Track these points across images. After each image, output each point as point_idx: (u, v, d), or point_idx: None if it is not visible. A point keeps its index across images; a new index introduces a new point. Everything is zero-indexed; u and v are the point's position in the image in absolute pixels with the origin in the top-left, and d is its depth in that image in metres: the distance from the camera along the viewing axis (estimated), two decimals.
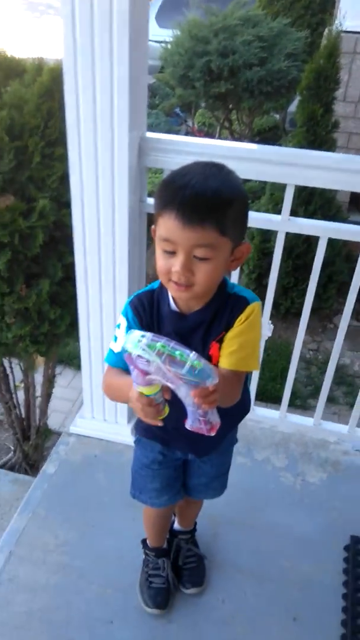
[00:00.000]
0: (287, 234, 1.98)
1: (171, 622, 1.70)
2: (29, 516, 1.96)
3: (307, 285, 2.08)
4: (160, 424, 1.11)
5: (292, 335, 2.16)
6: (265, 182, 4.22)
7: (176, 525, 1.82)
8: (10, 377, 2.49)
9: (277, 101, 6.26)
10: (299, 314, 2.15)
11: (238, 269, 2.04)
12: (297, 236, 3.53)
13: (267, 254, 3.63)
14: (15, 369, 2.52)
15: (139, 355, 0.97)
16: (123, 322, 1.25)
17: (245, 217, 1.16)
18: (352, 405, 2.27)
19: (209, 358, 1.17)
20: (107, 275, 1.93)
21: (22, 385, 2.61)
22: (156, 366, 0.97)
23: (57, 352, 2.35)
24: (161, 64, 7.04)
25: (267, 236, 3.74)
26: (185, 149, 1.81)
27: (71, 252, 1.96)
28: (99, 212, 1.82)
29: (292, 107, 7.09)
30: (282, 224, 1.92)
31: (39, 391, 2.60)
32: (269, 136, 6.73)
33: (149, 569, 1.75)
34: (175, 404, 1.06)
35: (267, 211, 3.60)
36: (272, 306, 2.16)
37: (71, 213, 1.86)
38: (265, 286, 2.13)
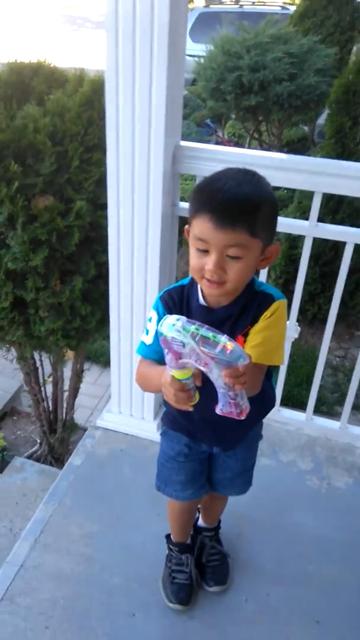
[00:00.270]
0: (315, 240, 2.03)
1: (193, 619, 1.70)
2: (54, 506, 1.99)
3: (334, 292, 2.10)
4: (190, 409, 1.14)
5: (318, 341, 2.18)
6: (293, 191, 4.26)
7: (200, 522, 1.83)
8: (40, 370, 2.54)
9: (306, 114, 6.33)
10: (325, 321, 2.17)
11: (266, 275, 2.08)
12: (325, 243, 3.56)
13: (295, 261, 3.66)
14: (44, 363, 2.57)
15: (173, 337, 1.01)
16: (154, 316, 1.30)
17: (274, 220, 1.21)
18: None
19: None
20: (139, 275, 1.98)
21: (51, 380, 2.66)
22: (190, 348, 1.00)
23: (86, 347, 2.40)
24: (193, 77, 7.15)
25: (295, 243, 3.77)
26: (216, 157, 1.87)
27: (104, 252, 2.02)
28: (134, 215, 1.88)
29: (321, 120, 7.15)
30: (310, 229, 1.98)
31: (66, 386, 2.64)
32: (297, 147, 6.78)
33: (172, 565, 1.76)
34: (205, 392, 1.09)
35: (294, 219, 3.63)
36: (299, 312, 2.18)
37: (106, 215, 1.92)
38: (292, 292, 2.16)
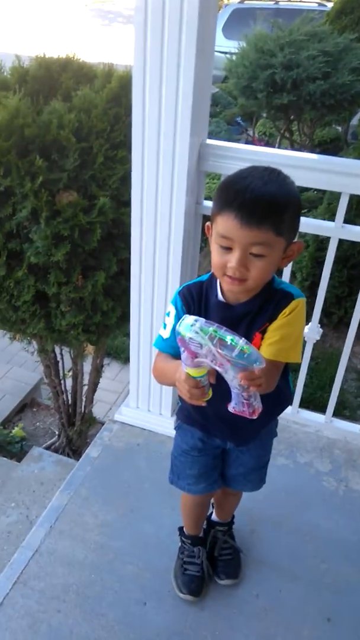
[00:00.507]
0: (343, 243, 2.02)
1: (203, 610, 1.72)
2: (70, 495, 2.03)
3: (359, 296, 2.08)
4: (204, 404, 1.17)
5: (343, 345, 2.17)
6: (323, 192, 4.23)
7: (214, 517, 1.84)
8: (60, 364, 2.58)
9: (339, 114, 6.24)
10: None
11: (289, 276, 2.08)
12: (353, 246, 3.50)
13: (321, 263, 3.59)
14: (65, 357, 2.62)
15: (191, 338, 1.03)
16: (172, 311, 1.32)
17: (298, 219, 1.22)
18: None
19: None
20: (160, 272, 1.99)
21: (71, 373, 2.70)
22: (207, 349, 1.03)
23: (106, 342, 2.43)
24: (225, 74, 7.11)
25: (322, 245, 3.72)
26: (242, 156, 1.87)
27: (127, 248, 2.04)
28: (157, 212, 1.90)
29: (355, 120, 7.05)
30: (336, 230, 1.97)
31: (86, 380, 2.68)
32: (330, 148, 6.70)
33: (184, 556, 1.78)
34: (219, 389, 1.11)
35: (323, 220, 3.60)
36: (325, 315, 2.16)
37: (130, 212, 1.94)
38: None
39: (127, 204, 1.95)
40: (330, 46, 5.75)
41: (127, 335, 2.21)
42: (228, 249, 1.16)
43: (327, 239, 2.04)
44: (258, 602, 1.76)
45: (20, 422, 3.25)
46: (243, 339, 1.02)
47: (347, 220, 1.96)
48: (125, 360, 3.61)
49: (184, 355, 1.09)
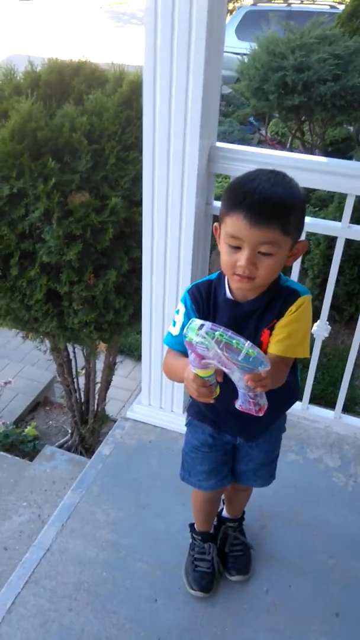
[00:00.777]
0: (354, 242, 2.07)
1: (214, 606, 1.74)
2: (82, 493, 2.05)
3: None
4: (212, 401, 1.21)
5: None
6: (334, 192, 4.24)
7: (224, 513, 1.86)
8: (73, 362, 2.61)
9: (350, 114, 6.25)
10: None
11: (297, 274, 2.10)
12: None
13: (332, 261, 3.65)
14: (77, 356, 2.64)
15: (198, 342, 1.07)
16: (181, 309, 1.35)
17: (303, 219, 1.26)
18: None
19: (260, 344, 1.26)
20: (171, 270, 2.02)
21: (84, 372, 2.73)
22: (214, 352, 1.06)
23: (118, 340, 2.46)
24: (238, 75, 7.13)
25: (333, 243, 3.72)
26: (250, 158, 1.90)
27: (138, 247, 2.06)
28: (168, 212, 1.92)
29: None
30: (342, 230, 2.01)
31: (99, 378, 2.71)
32: (341, 147, 6.70)
33: (195, 553, 1.80)
34: (227, 385, 1.15)
35: (334, 219, 3.62)
36: (337, 312, 2.18)
37: (141, 211, 1.97)
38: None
39: (139, 203, 1.98)
40: (341, 49, 5.79)
41: (140, 332, 2.24)
42: (237, 248, 1.19)
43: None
44: (268, 597, 1.77)
45: (33, 420, 3.28)
46: (249, 342, 1.06)
47: (357, 219, 1.98)
48: (139, 358, 3.61)
49: (191, 356, 1.13)
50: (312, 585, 1.81)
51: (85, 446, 2.84)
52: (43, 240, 1.98)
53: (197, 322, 1.08)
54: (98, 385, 2.73)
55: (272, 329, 1.27)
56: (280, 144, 7.03)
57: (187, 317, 1.31)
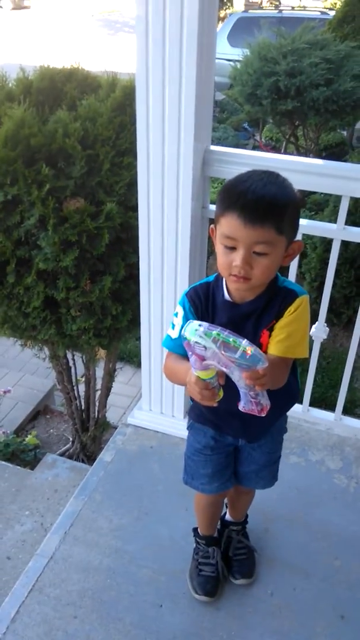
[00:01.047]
0: (351, 244, 2.04)
1: (219, 610, 1.73)
2: (84, 500, 2.04)
3: None
4: (215, 405, 1.21)
5: None
6: (330, 195, 4.25)
7: (228, 517, 1.85)
8: (72, 370, 2.60)
9: (342, 119, 6.29)
10: None
11: (298, 277, 2.11)
12: None
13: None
14: (77, 363, 2.63)
15: (196, 342, 1.08)
16: (180, 311, 1.35)
17: (298, 219, 1.26)
18: None
19: (259, 345, 1.26)
20: (168, 275, 2.02)
21: (83, 379, 2.72)
22: (212, 352, 1.07)
23: (118, 346, 2.45)
24: (231, 82, 7.18)
25: (329, 247, 3.74)
26: (245, 161, 1.90)
27: (135, 253, 2.06)
28: (164, 217, 1.93)
29: (359, 125, 7.07)
30: (338, 232, 2.01)
31: (99, 385, 2.70)
32: (335, 152, 6.73)
33: (199, 557, 1.79)
34: (229, 388, 1.15)
35: (330, 222, 3.63)
36: (335, 315, 2.18)
37: (137, 216, 1.97)
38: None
39: (135, 208, 1.98)
40: (332, 54, 5.82)
41: (139, 339, 2.24)
42: (232, 249, 1.20)
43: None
44: (272, 600, 1.76)
45: (33, 429, 3.27)
46: (246, 340, 1.06)
47: (353, 222, 1.98)
48: (139, 364, 3.60)
49: (192, 358, 1.13)
50: (316, 587, 1.80)
51: (87, 453, 2.83)
52: (39, 247, 1.98)
53: (194, 323, 1.09)
54: (98, 392, 2.73)
55: (271, 329, 1.27)
56: (275, 149, 7.06)
57: (186, 319, 1.31)
